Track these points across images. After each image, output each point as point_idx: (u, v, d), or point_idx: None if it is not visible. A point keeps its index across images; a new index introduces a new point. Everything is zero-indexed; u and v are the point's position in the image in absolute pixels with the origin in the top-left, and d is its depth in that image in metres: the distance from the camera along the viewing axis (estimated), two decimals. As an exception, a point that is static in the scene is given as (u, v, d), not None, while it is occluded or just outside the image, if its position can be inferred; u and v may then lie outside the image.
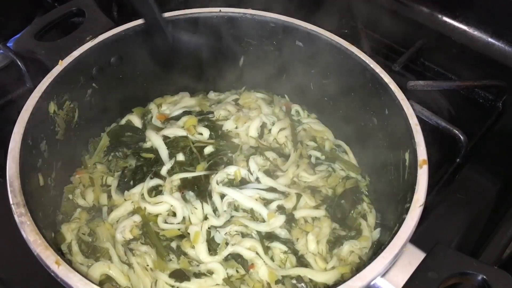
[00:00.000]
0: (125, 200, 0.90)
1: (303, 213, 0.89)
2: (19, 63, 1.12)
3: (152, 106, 1.09)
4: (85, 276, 0.60)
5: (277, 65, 1.07)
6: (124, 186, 0.92)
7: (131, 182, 0.93)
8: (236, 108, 1.07)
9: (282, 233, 0.87)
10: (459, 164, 1.04)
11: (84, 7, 1.02)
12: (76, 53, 0.88)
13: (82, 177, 0.94)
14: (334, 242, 0.87)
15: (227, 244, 0.83)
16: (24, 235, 0.64)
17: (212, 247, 0.84)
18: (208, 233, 0.85)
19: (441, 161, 1.04)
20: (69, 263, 0.61)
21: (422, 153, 0.75)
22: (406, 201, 0.70)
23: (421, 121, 0.80)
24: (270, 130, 1.03)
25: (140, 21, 0.95)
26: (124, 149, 0.99)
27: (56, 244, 0.80)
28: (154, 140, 0.99)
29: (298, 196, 0.91)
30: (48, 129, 0.83)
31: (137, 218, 0.86)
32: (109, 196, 0.91)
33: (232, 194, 0.89)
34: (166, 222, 0.87)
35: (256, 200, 0.89)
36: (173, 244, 0.84)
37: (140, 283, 0.78)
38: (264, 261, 0.82)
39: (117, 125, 1.05)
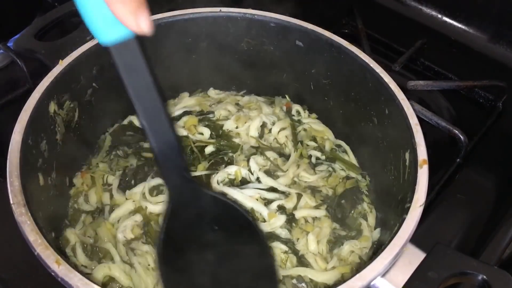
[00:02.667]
0: (126, 199, 0.90)
1: (304, 213, 0.89)
2: (19, 63, 1.12)
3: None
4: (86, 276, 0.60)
5: (277, 65, 1.07)
6: (126, 185, 0.92)
7: (132, 182, 0.93)
8: (236, 108, 1.08)
9: (283, 233, 0.87)
10: (459, 164, 1.04)
11: (84, 7, 1.02)
12: (76, 53, 0.87)
13: (85, 177, 0.94)
14: (335, 242, 0.87)
15: (227, 244, 0.83)
16: (24, 235, 0.63)
17: (213, 247, 0.84)
18: (209, 233, 0.85)
19: (441, 161, 1.04)
20: (74, 266, 0.60)
21: (422, 153, 0.75)
22: (406, 201, 0.70)
23: (421, 121, 0.80)
24: (270, 130, 1.03)
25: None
26: (125, 148, 0.99)
27: (59, 247, 0.80)
28: (155, 140, 0.98)
29: (299, 196, 0.91)
30: (48, 129, 0.83)
31: (138, 217, 0.86)
32: (111, 195, 0.91)
33: (233, 194, 0.89)
34: (166, 222, 0.87)
35: (257, 200, 0.89)
36: (174, 244, 0.84)
37: (142, 283, 0.78)
38: (264, 261, 0.82)
39: (118, 125, 1.05)
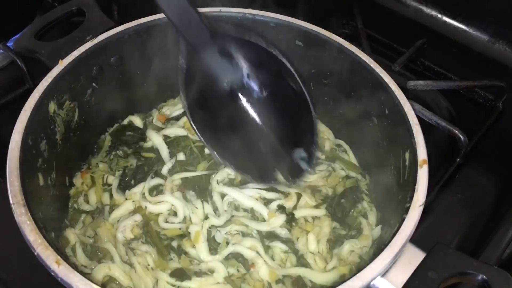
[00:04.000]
0: (126, 199, 0.90)
1: (304, 212, 0.89)
2: (19, 63, 1.12)
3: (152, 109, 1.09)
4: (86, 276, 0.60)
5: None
6: (125, 185, 0.92)
7: (132, 182, 0.93)
8: (236, 108, 1.07)
9: (283, 232, 0.87)
10: (459, 164, 1.04)
11: (84, 7, 1.02)
12: (76, 53, 0.87)
13: (85, 177, 0.94)
14: (335, 242, 0.87)
15: (227, 243, 0.84)
16: (24, 235, 0.63)
17: (213, 246, 0.84)
18: (209, 232, 0.85)
19: (441, 161, 1.04)
20: (74, 266, 0.60)
21: (422, 153, 0.75)
22: (406, 201, 0.70)
23: (421, 121, 0.80)
24: (270, 130, 1.03)
25: (140, 21, 0.95)
26: (125, 147, 0.99)
27: (59, 247, 0.80)
28: (155, 139, 0.99)
29: (298, 195, 0.91)
30: (48, 129, 0.83)
31: (138, 217, 0.86)
32: (111, 195, 0.91)
33: (233, 193, 0.89)
34: (167, 222, 0.87)
35: (257, 199, 0.89)
36: (174, 243, 0.85)
37: (142, 283, 0.78)
38: (264, 260, 0.82)
39: (118, 125, 1.05)
